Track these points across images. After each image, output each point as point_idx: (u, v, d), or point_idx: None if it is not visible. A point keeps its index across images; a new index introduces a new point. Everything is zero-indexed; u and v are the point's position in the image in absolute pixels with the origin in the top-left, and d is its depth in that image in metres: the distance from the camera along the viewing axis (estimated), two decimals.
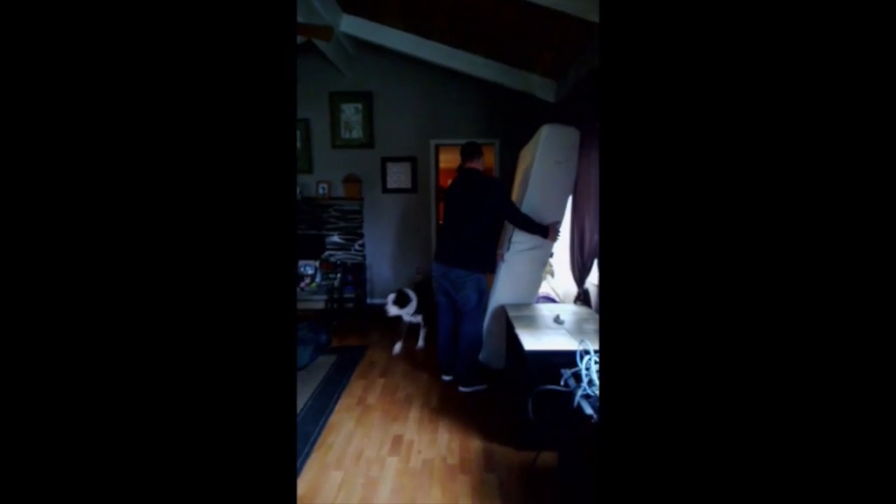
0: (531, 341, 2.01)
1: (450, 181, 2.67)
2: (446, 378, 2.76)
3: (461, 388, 2.61)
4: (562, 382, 1.65)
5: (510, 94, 4.03)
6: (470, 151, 2.47)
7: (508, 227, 2.71)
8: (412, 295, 3.19)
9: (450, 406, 2.46)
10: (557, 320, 2.32)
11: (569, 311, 2.57)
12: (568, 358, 1.86)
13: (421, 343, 3.39)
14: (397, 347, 3.27)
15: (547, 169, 2.56)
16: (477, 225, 2.42)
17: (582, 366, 1.61)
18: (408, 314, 3.19)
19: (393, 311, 3.13)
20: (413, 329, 3.42)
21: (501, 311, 2.75)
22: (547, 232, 2.50)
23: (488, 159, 5.99)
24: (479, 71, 3.77)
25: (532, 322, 2.33)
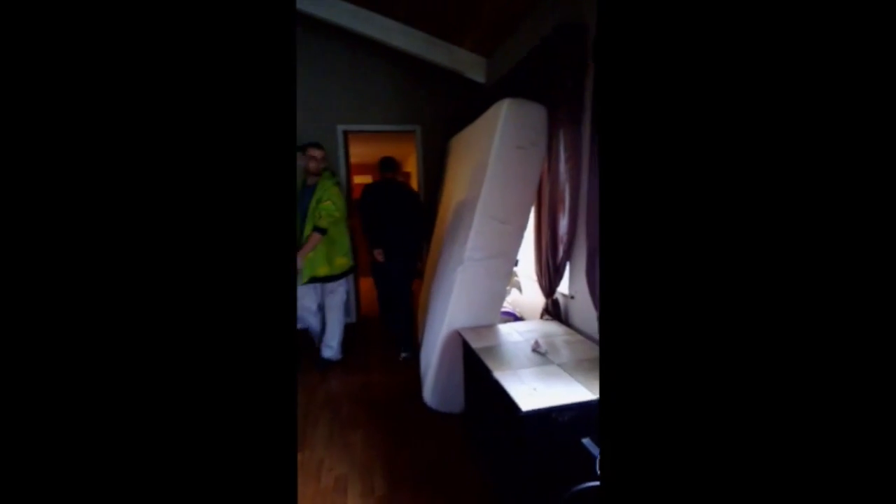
0: (522, 392, 1.42)
1: (369, 186, 2.95)
2: (405, 354, 3.01)
3: (404, 355, 3.03)
4: (597, 468, 1.08)
5: (434, 71, 3.42)
6: (388, 164, 2.91)
7: (460, 233, 2.10)
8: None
9: (402, 488, 1.76)
10: (537, 349, 1.77)
11: (539, 330, 2.05)
12: (577, 413, 1.34)
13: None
14: None
15: (508, 156, 1.98)
16: (405, 221, 2.91)
17: None
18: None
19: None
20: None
21: (456, 338, 2.13)
22: (419, 249, 3.02)
23: (409, 150, 5.37)
24: (395, 40, 3.08)
25: (505, 354, 1.75)
